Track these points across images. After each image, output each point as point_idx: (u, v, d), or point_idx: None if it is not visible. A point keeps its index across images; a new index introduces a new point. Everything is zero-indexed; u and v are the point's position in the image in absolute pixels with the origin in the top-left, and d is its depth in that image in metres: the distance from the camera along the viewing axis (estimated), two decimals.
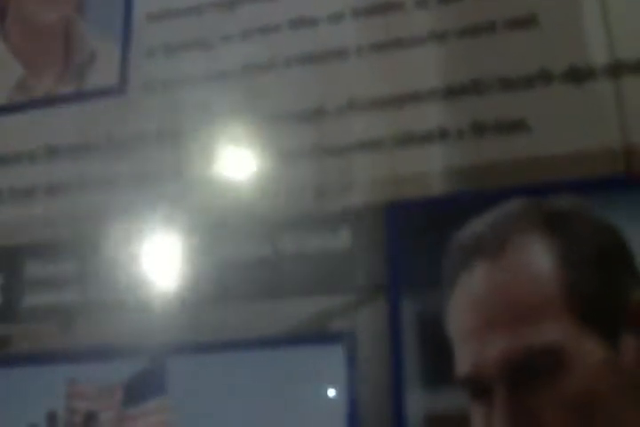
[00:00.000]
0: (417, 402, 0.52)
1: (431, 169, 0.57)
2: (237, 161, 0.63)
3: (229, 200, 0.61)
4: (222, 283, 0.59)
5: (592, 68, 0.56)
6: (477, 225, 0.51)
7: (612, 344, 0.45)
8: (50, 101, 0.70)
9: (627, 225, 0.49)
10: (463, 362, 0.47)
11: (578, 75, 0.56)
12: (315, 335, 0.55)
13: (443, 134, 0.58)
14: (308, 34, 0.65)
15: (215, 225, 0.61)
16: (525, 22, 0.59)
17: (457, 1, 0.61)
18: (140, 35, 0.71)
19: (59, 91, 0.71)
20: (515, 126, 0.56)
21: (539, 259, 0.47)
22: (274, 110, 0.63)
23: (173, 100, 0.67)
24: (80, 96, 0.70)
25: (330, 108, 0.62)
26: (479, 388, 0.46)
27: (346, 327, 0.55)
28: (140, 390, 0.57)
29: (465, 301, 0.49)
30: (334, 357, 0.53)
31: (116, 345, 0.60)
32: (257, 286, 0.58)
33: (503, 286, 0.47)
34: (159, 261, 0.62)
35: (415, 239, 0.55)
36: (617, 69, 0.56)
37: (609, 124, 0.54)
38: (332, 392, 0.54)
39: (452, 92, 0.59)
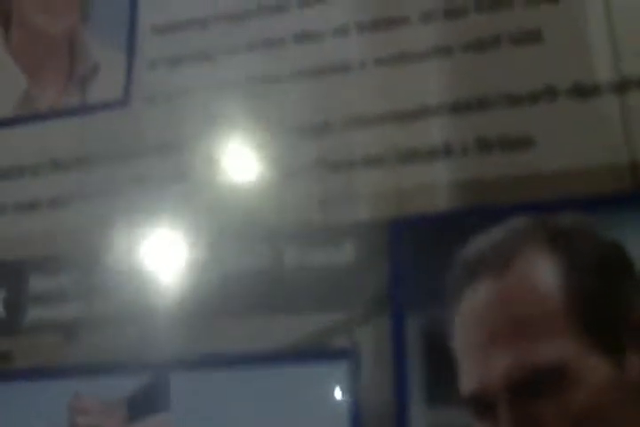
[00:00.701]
0: (421, 419, 0.52)
1: (435, 185, 0.58)
2: (240, 174, 0.63)
3: (232, 213, 0.62)
4: (225, 297, 0.60)
5: (597, 84, 0.57)
6: (482, 242, 0.51)
7: (617, 359, 0.46)
8: (53, 114, 0.71)
9: (633, 242, 0.49)
10: (467, 379, 0.48)
11: (583, 91, 0.57)
12: (317, 351, 0.55)
13: (447, 150, 0.58)
14: (313, 48, 0.66)
15: (218, 239, 0.62)
16: (530, 38, 0.60)
17: (462, 16, 0.62)
18: (145, 47, 0.71)
19: (62, 103, 0.71)
20: (520, 143, 0.57)
21: (543, 276, 0.48)
22: (278, 124, 0.64)
23: (177, 113, 0.68)
24: (83, 108, 0.71)
25: (334, 122, 0.62)
26: (483, 405, 0.46)
27: (349, 344, 0.55)
28: (143, 405, 0.57)
29: (469, 317, 0.49)
30: (337, 373, 0.54)
31: (120, 359, 0.60)
32: (260, 300, 0.59)
33: (507, 303, 0.48)
34: (162, 274, 0.62)
35: (419, 255, 0.55)
36: (623, 85, 0.56)
37: (615, 140, 0.55)
38: (334, 409, 0.54)
39: (457, 108, 0.59)
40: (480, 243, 0.51)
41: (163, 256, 0.63)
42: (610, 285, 0.48)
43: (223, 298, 0.60)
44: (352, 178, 0.60)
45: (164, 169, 0.66)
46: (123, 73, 0.71)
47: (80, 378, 0.60)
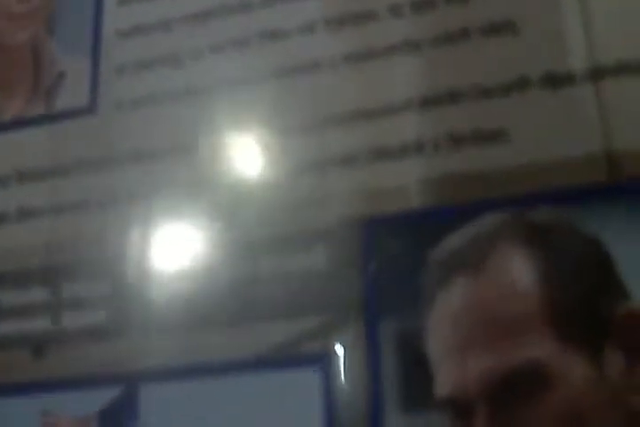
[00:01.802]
0: (397, 424, 0.52)
1: (408, 183, 0.57)
2: (212, 181, 0.63)
3: (202, 222, 0.62)
4: (195, 307, 0.59)
5: (571, 72, 0.56)
6: (455, 240, 0.50)
7: (596, 359, 0.45)
8: (19, 124, 0.71)
9: (610, 234, 0.48)
10: (443, 383, 0.47)
11: (556, 80, 0.56)
12: (290, 358, 0.55)
13: (419, 147, 0.58)
14: (280, 46, 0.65)
15: (189, 248, 0.61)
16: (502, 28, 0.59)
17: (431, 8, 0.61)
18: (110, 52, 0.71)
19: (28, 112, 0.71)
20: (493, 136, 0.56)
21: (519, 274, 0.47)
22: (246, 126, 0.63)
23: (145, 119, 0.67)
24: (50, 117, 0.70)
25: (304, 122, 0.62)
26: (460, 409, 0.46)
27: (322, 349, 0.54)
28: (114, 418, 0.57)
29: (444, 319, 0.48)
30: (312, 379, 0.53)
31: (90, 374, 0.60)
32: (230, 309, 0.58)
33: (483, 303, 0.47)
34: (133, 287, 0.62)
35: (393, 256, 0.55)
36: (597, 73, 0.56)
37: (590, 130, 0.54)
38: (309, 416, 0.53)
39: (428, 103, 0.59)
40: (453, 241, 0.50)
41: (133, 268, 0.62)
42: (588, 281, 0.47)
43: (194, 308, 0.59)
44: (322, 178, 0.60)
45: (134, 176, 0.65)
46: (88, 80, 0.70)
47: (50, 394, 0.60)
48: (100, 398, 0.58)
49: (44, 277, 0.64)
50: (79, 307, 0.62)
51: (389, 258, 0.55)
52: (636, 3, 0.56)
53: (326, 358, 0.54)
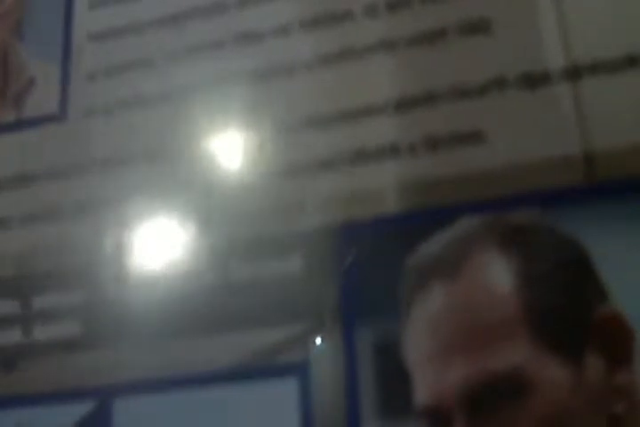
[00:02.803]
0: None
1: (385, 187, 0.57)
2: (186, 187, 0.63)
3: (175, 228, 0.61)
4: (170, 317, 0.59)
5: (548, 72, 0.56)
6: (432, 244, 0.51)
7: (577, 363, 0.45)
8: None
9: (589, 236, 0.49)
10: (421, 392, 0.47)
11: (533, 80, 0.56)
12: (266, 368, 0.55)
13: (395, 150, 0.58)
14: (255, 48, 0.65)
15: (163, 256, 0.61)
16: (478, 28, 0.59)
17: (407, 8, 0.62)
18: (81, 57, 0.71)
19: None
20: (470, 138, 0.56)
21: (497, 278, 0.47)
22: (220, 130, 0.63)
23: (117, 125, 0.67)
24: (19, 125, 0.70)
25: (278, 125, 0.62)
26: (439, 418, 0.46)
27: (299, 358, 0.54)
28: None
29: (421, 326, 0.48)
30: (287, 390, 0.53)
31: (63, 387, 0.60)
32: (205, 318, 0.58)
33: (461, 309, 0.47)
34: (105, 297, 0.62)
35: (371, 261, 0.55)
36: (574, 72, 0.56)
37: (568, 130, 0.54)
38: (287, 426, 0.53)
39: (403, 105, 0.59)
40: (430, 246, 0.51)
41: (105, 278, 0.62)
42: (567, 284, 0.47)
43: (170, 319, 0.59)
44: (297, 183, 0.60)
45: (106, 184, 0.65)
46: (59, 86, 0.70)
47: (22, 408, 0.59)
48: (74, 412, 0.58)
49: (14, 289, 0.64)
50: (51, 319, 0.62)
51: (367, 264, 0.55)
52: (611, 0, 0.56)
53: (303, 368, 0.54)
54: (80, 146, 0.68)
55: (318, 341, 0.54)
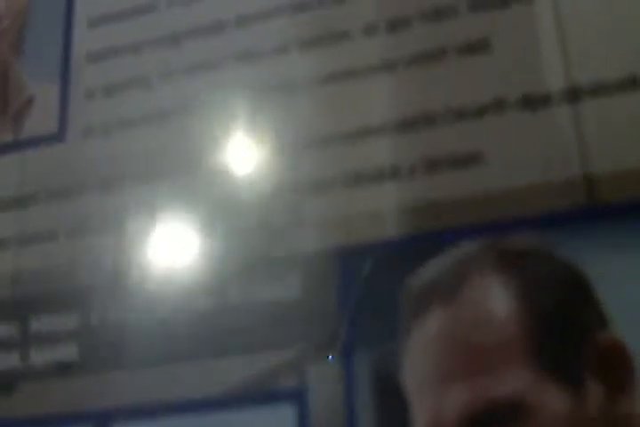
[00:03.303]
0: None
1: (383, 209, 0.57)
2: (180, 207, 0.63)
3: (173, 250, 0.62)
4: (166, 342, 0.59)
5: (548, 93, 0.56)
6: (431, 269, 0.51)
7: (576, 390, 0.45)
8: None
9: (590, 259, 0.49)
10: (420, 419, 0.47)
11: (533, 101, 0.57)
12: (263, 395, 0.55)
13: (394, 172, 0.58)
14: (253, 68, 0.66)
15: (160, 278, 0.61)
16: (478, 48, 0.59)
17: (406, 27, 0.62)
18: (80, 76, 0.71)
19: None
20: (469, 160, 0.57)
21: (496, 304, 0.48)
22: (219, 150, 0.64)
23: (116, 145, 0.68)
24: (17, 145, 0.70)
25: (277, 145, 0.62)
26: None
27: (296, 385, 0.54)
28: None
29: (419, 352, 0.49)
30: (284, 416, 0.53)
31: (60, 411, 0.60)
32: (201, 343, 0.58)
33: (459, 335, 0.47)
34: (102, 320, 0.62)
35: (370, 286, 0.55)
36: (574, 94, 0.56)
37: (568, 152, 0.55)
38: None
39: (403, 126, 0.59)
40: (428, 271, 0.51)
41: (105, 301, 0.62)
42: (567, 309, 0.47)
43: (164, 344, 0.59)
44: (296, 205, 0.60)
45: (104, 205, 0.66)
46: (58, 105, 0.71)
47: None
48: None
49: (10, 311, 0.65)
50: (48, 342, 0.63)
51: (365, 287, 0.55)
52: (613, 21, 0.56)
53: (300, 394, 0.54)
54: (79, 166, 0.68)
55: (316, 366, 0.54)
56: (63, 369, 0.61)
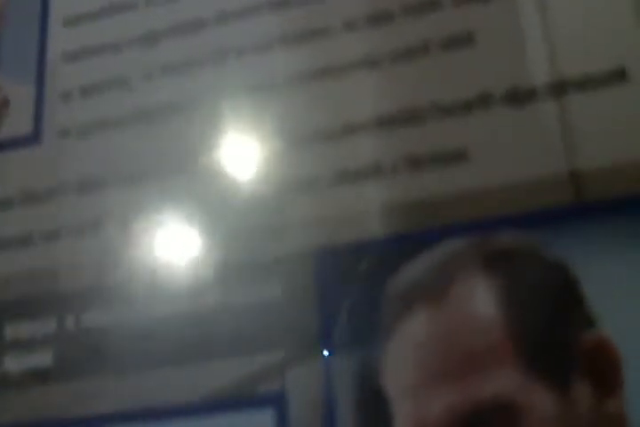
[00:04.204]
0: None
1: (367, 209, 0.57)
2: (159, 209, 0.63)
3: (152, 256, 0.62)
4: (145, 348, 0.59)
5: (534, 87, 0.57)
6: (415, 269, 0.51)
7: (565, 391, 0.45)
8: None
9: (577, 257, 0.49)
10: (403, 422, 0.47)
11: (519, 96, 0.57)
12: (242, 399, 0.55)
13: (377, 170, 0.58)
14: (234, 66, 0.66)
15: (139, 282, 0.61)
16: (461, 42, 0.59)
17: (388, 22, 0.62)
18: (55, 76, 0.71)
19: None
20: (453, 157, 0.57)
21: (482, 304, 0.48)
22: (199, 151, 0.64)
23: (92, 146, 0.68)
24: None
25: (258, 145, 0.62)
26: None
27: (276, 389, 0.54)
28: None
29: (403, 354, 0.49)
30: (265, 421, 0.53)
31: (35, 419, 0.60)
32: (182, 347, 0.58)
33: (444, 336, 0.48)
34: (79, 326, 0.62)
35: (352, 288, 0.55)
36: (561, 88, 0.56)
37: (554, 148, 0.55)
38: None
39: (386, 123, 0.59)
40: (412, 271, 0.51)
41: (82, 307, 0.62)
42: (554, 309, 0.47)
43: (145, 347, 0.59)
44: (277, 206, 0.60)
45: (81, 208, 0.65)
46: (33, 107, 0.71)
47: None
48: None
49: None
50: (23, 348, 0.62)
51: (348, 289, 0.55)
52: (598, 14, 0.57)
53: (281, 398, 0.54)
54: (55, 168, 0.68)
55: (298, 370, 0.54)
56: (40, 376, 0.61)
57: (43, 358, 0.62)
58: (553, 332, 0.47)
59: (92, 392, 0.58)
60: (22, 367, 0.62)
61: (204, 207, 0.62)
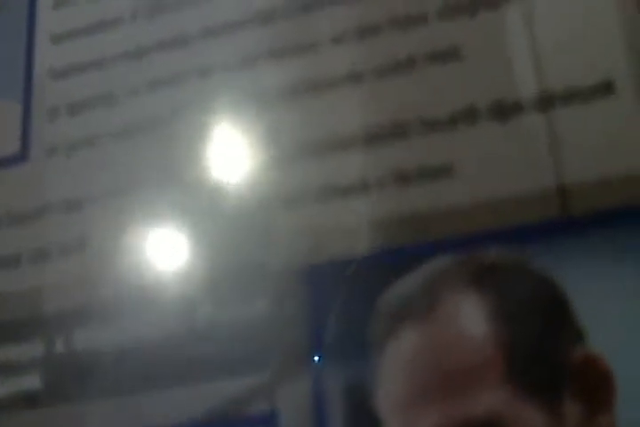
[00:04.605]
0: None
1: (354, 225, 0.58)
2: (143, 229, 0.63)
3: (139, 276, 0.62)
4: (134, 370, 0.59)
5: (520, 101, 0.57)
6: (403, 286, 0.51)
7: (555, 407, 0.45)
8: None
9: (565, 272, 0.49)
10: None
11: (505, 110, 0.57)
12: (233, 420, 0.55)
13: (364, 186, 0.58)
14: (220, 81, 0.66)
15: (125, 303, 0.61)
16: (448, 56, 0.60)
17: (374, 36, 0.62)
18: (43, 93, 0.72)
19: None
20: (440, 172, 0.57)
21: (471, 320, 0.48)
22: (184, 168, 0.64)
23: (80, 164, 0.68)
24: None
25: (243, 160, 0.62)
26: None
27: (267, 408, 0.54)
28: None
29: (393, 371, 0.49)
30: None
31: None
32: (171, 369, 0.58)
33: (434, 353, 0.48)
34: (67, 348, 0.62)
35: (341, 305, 0.55)
36: (547, 101, 0.56)
37: (541, 162, 0.55)
38: None
39: (372, 138, 0.59)
40: (400, 287, 0.51)
41: (70, 329, 0.63)
42: (542, 326, 0.47)
43: (134, 369, 0.59)
44: (264, 221, 0.60)
45: (67, 228, 0.66)
46: (20, 125, 0.71)
47: None
48: None
49: None
50: (11, 371, 0.63)
51: (337, 306, 0.55)
52: (584, 27, 0.57)
53: (271, 419, 0.54)
54: (43, 186, 0.68)
55: (287, 389, 0.54)
56: (29, 400, 0.61)
57: (31, 382, 0.62)
58: (542, 348, 0.47)
59: (81, 415, 0.59)
60: (11, 391, 0.62)
61: (190, 223, 0.62)
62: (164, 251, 0.62)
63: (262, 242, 0.59)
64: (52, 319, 0.63)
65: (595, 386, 0.46)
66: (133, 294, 0.61)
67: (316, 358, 0.54)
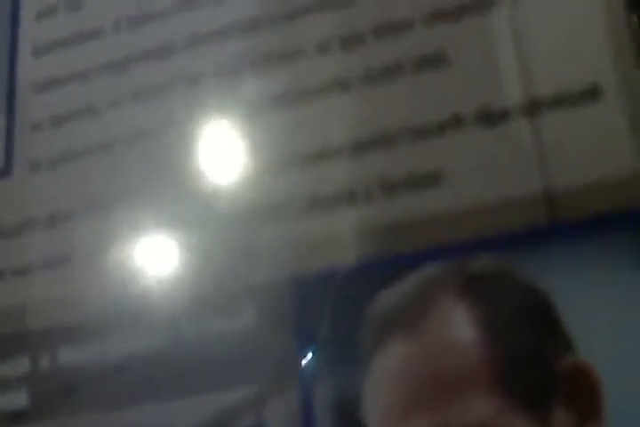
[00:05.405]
0: None
1: (341, 235, 0.58)
2: (127, 243, 0.64)
3: (124, 289, 0.62)
4: (121, 385, 0.60)
5: (507, 107, 0.57)
6: (391, 296, 0.52)
7: (544, 418, 0.46)
8: None
9: (553, 279, 0.50)
10: None
11: (492, 116, 0.58)
12: None
13: (351, 195, 0.59)
14: (204, 90, 0.67)
15: (109, 317, 0.62)
16: (434, 62, 0.61)
17: (360, 44, 0.63)
18: (25, 107, 0.72)
19: None
20: (428, 180, 0.58)
21: (460, 329, 0.49)
22: (169, 180, 0.65)
23: (63, 178, 0.68)
24: None
25: (228, 170, 0.63)
26: None
27: (255, 422, 0.55)
28: None
29: (381, 383, 0.50)
30: None
31: None
32: (158, 384, 0.59)
33: (421, 364, 0.48)
34: (54, 364, 0.62)
35: (329, 317, 0.55)
36: (533, 107, 0.57)
37: (528, 169, 0.56)
38: None
39: (358, 146, 0.60)
40: (388, 298, 0.52)
41: (55, 344, 0.63)
42: (531, 335, 0.48)
43: (119, 385, 0.60)
44: (250, 232, 0.61)
45: (51, 244, 0.66)
46: (3, 139, 0.72)
47: None
48: None
49: None
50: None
51: (325, 317, 0.55)
52: (571, 32, 0.58)
53: None
54: (26, 201, 0.69)
55: (275, 402, 0.55)
56: (14, 418, 0.62)
57: (16, 399, 0.63)
58: (531, 357, 0.47)
59: None
60: None
61: (176, 237, 0.63)
62: (149, 265, 0.63)
63: (248, 254, 0.60)
64: (37, 335, 0.64)
65: (584, 395, 0.47)
66: (119, 309, 0.62)
67: (305, 371, 0.54)
